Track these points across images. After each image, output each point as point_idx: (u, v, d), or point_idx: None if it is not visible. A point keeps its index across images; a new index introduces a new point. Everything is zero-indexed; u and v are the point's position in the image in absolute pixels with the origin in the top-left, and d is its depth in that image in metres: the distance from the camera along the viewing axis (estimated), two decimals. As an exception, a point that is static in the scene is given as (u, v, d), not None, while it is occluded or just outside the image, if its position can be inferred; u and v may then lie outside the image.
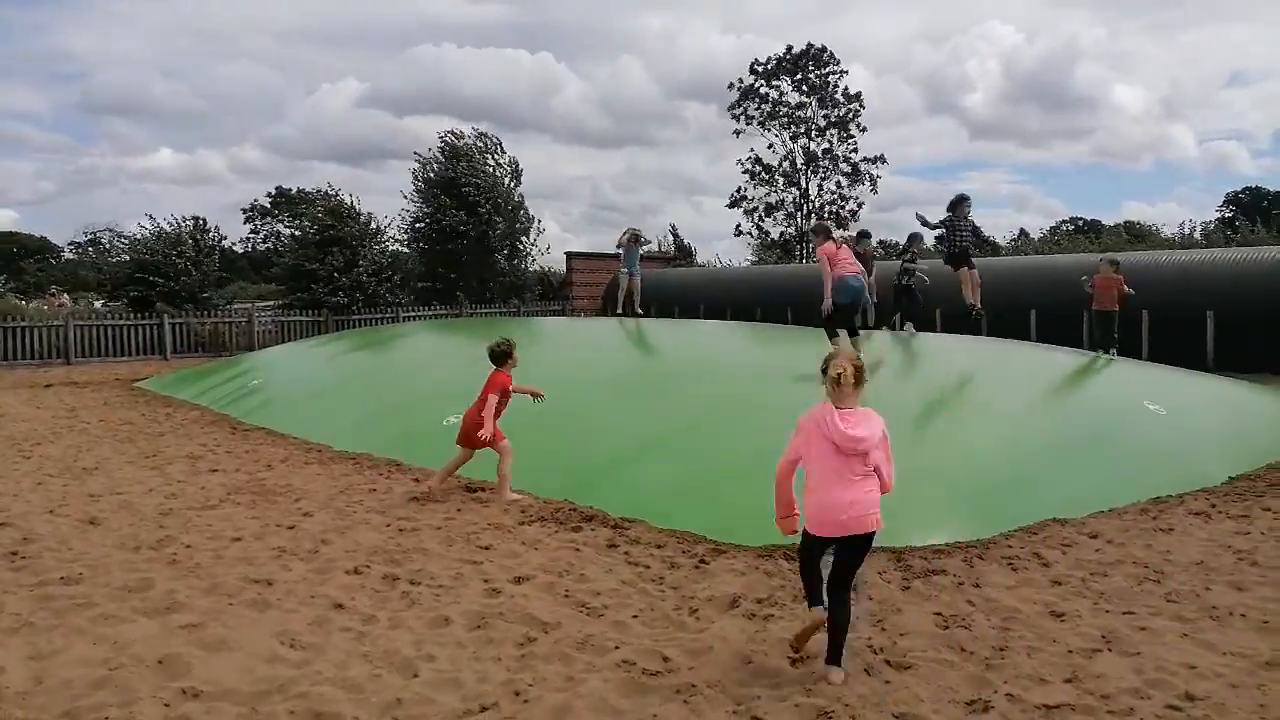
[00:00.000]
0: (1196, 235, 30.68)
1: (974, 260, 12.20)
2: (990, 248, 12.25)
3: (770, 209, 44.48)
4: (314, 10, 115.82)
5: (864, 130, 43.18)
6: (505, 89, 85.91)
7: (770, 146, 43.85)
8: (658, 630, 4.59)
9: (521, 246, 31.24)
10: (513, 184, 31.05)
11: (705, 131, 75.88)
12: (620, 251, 16.06)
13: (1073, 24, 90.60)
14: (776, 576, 5.33)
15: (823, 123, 43.19)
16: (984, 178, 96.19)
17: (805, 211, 43.58)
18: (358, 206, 28.30)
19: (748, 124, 43.64)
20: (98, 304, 27.55)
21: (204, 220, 27.78)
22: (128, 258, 26.65)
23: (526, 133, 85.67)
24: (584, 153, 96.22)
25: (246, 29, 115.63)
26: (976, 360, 10.76)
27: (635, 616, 4.77)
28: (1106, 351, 11.83)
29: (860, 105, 43.11)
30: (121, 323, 23.36)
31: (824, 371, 4.08)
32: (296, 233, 30.53)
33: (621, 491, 7.09)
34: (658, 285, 25.18)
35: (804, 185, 43.78)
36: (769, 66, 43.19)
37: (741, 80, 43.52)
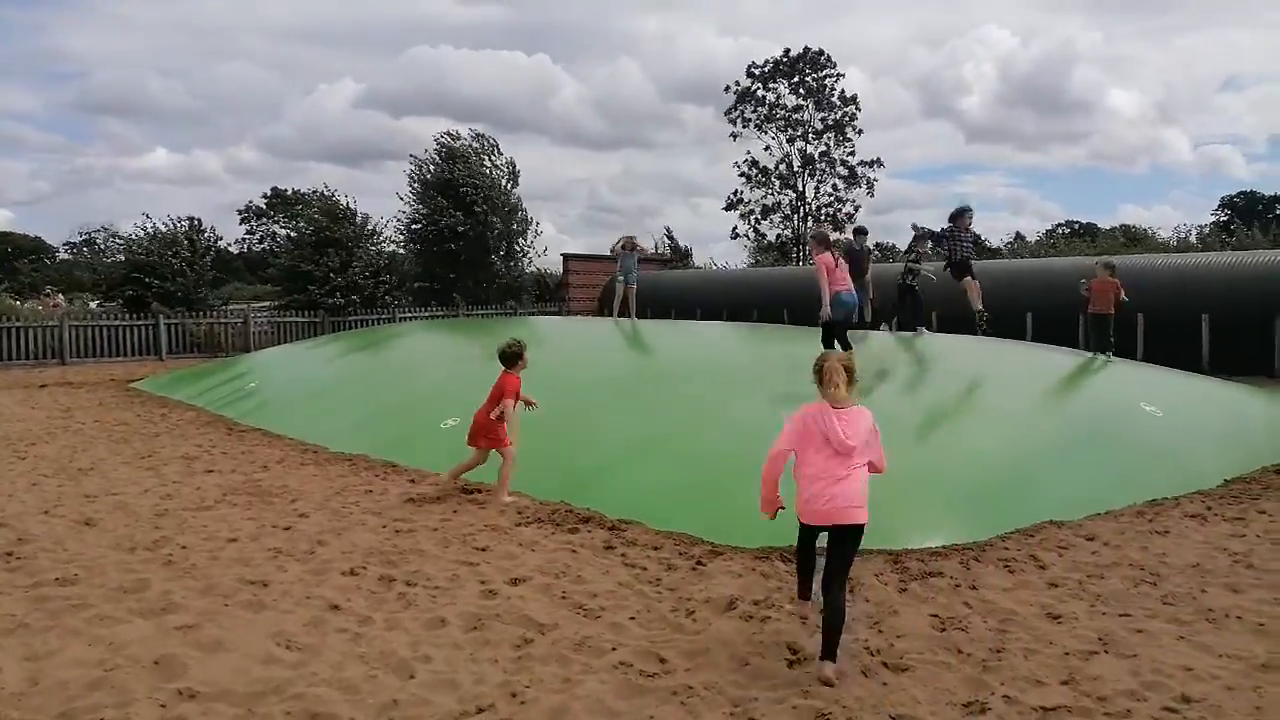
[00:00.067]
0: (1192, 239, 30.80)
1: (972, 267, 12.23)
2: (991, 254, 12.13)
3: (767, 211, 44.55)
4: (311, 10, 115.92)
5: (860, 133, 43.28)
6: (502, 90, 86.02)
7: (767, 149, 43.94)
8: (655, 631, 4.59)
9: (519, 248, 31.24)
10: (510, 185, 31.05)
11: (702, 134, 76.06)
12: (617, 257, 16.04)
13: (1068, 28, 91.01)
14: (773, 578, 5.32)
15: (820, 126, 43.26)
16: (980, 181, 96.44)
17: (802, 214, 43.64)
18: (353, 207, 28.32)
19: (744, 127, 43.71)
20: (93, 304, 27.49)
21: (199, 221, 27.78)
22: (123, 258, 26.59)
23: (523, 134, 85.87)
24: (581, 154, 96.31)
25: (243, 29, 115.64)
26: (973, 362, 10.78)
27: (632, 618, 4.76)
28: (1102, 354, 11.85)
29: (856, 108, 43.21)
30: (117, 323, 23.32)
31: (817, 372, 4.32)
32: (292, 233, 30.48)
33: (618, 493, 7.08)
34: (653, 287, 25.20)
35: (800, 188, 43.85)
36: (766, 69, 43.25)
37: (738, 83, 43.60)
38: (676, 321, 21.33)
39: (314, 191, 31.41)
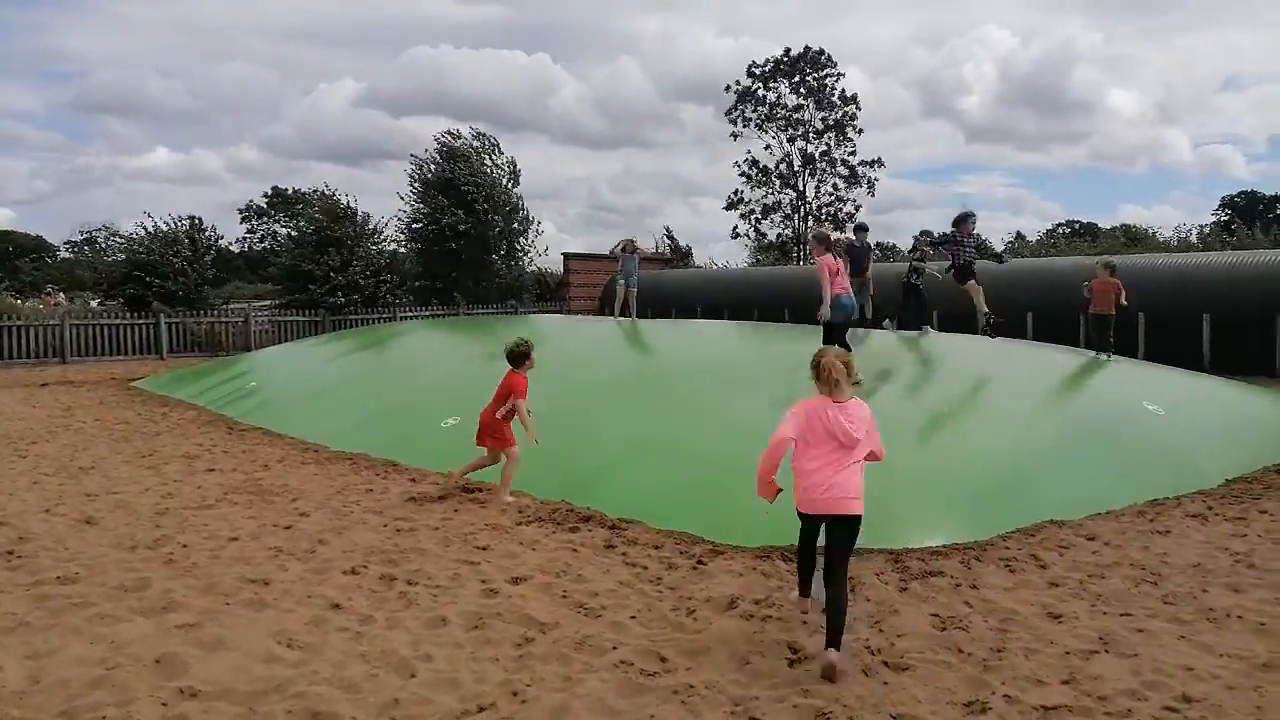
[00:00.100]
0: (1193, 239, 30.79)
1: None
2: (995, 258, 11.91)
3: (767, 210, 44.54)
4: (311, 10, 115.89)
5: (860, 132, 43.26)
6: (502, 90, 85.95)
7: (767, 148, 43.92)
8: (655, 631, 4.59)
9: (519, 247, 31.25)
10: (510, 185, 31.05)
11: (702, 133, 75.98)
12: (618, 259, 16.03)
13: (1068, 28, 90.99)
14: (774, 577, 5.33)
15: (820, 125, 43.25)
16: (980, 180, 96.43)
17: (802, 213, 43.63)
18: (354, 206, 28.33)
19: (745, 126, 43.70)
20: (94, 303, 27.49)
21: (200, 220, 27.77)
22: (123, 257, 26.60)
23: (523, 133, 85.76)
24: (581, 154, 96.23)
25: (243, 28, 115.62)
26: (975, 361, 10.77)
27: (633, 617, 4.76)
28: (1103, 355, 11.85)
29: (857, 107, 43.19)
30: (118, 322, 23.33)
31: (814, 368, 4.42)
32: (293, 233, 30.49)
33: (619, 492, 7.09)
34: (654, 286, 25.20)
35: (801, 187, 43.84)
36: (766, 69, 43.24)
37: (739, 82, 43.58)
38: (677, 321, 21.33)
39: (314, 191, 31.48)
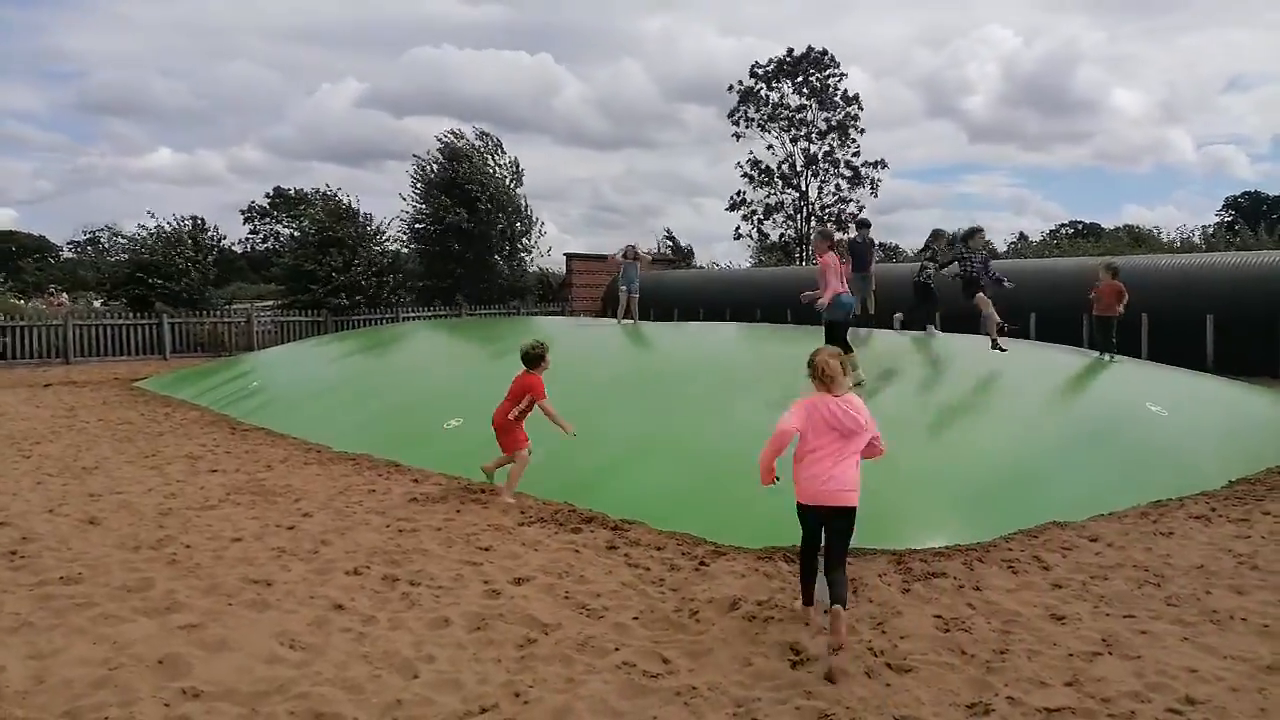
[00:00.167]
0: (1195, 239, 30.73)
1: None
2: (996, 283, 11.49)
3: (770, 211, 44.52)
4: (313, 10, 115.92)
5: (862, 132, 43.24)
6: (505, 90, 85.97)
7: (770, 148, 43.90)
8: (658, 632, 4.59)
9: (522, 247, 31.26)
10: (514, 185, 31.07)
11: (705, 134, 76.07)
12: (621, 264, 16.03)
13: (1071, 27, 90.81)
14: (776, 579, 5.32)
15: (823, 126, 43.23)
16: (983, 180, 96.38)
17: (805, 214, 43.61)
18: (355, 206, 28.36)
19: (747, 127, 43.69)
20: (97, 303, 27.53)
21: (203, 220, 27.82)
22: (126, 257, 26.64)
23: (526, 134, 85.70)
24: (583, 154, 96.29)
25: (245, 29, 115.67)
26: (978, 361, 10.75)
27: (635, 618, 4.76)
28: (1106, 355, 11.84)
29: (859, 106, 43.16)
30: (120, 322, 23.36)
31: (810, 366, 4.60)
32: (295, 233, 30.52)
33: (621, 493, 7.09)
34: (656, 287, 25.19)
35: (804, 188, 43.83)
36: (769, 69, 43.23)
37: (741, 83, 43.57)
38: (679, 323, 21.32)
39: (316, 191, 31.51)
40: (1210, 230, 32.93)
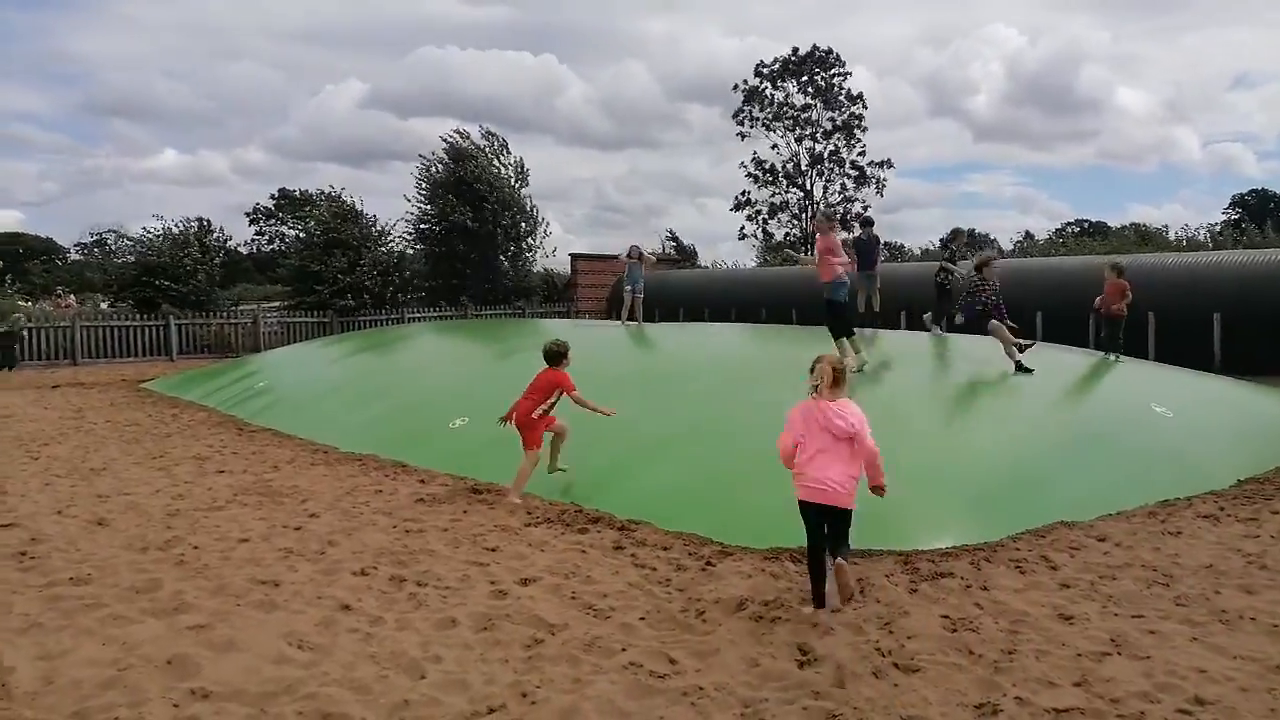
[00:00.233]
0: (1201, 237, 30.63)
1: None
2: (1001, 313, 11.08)
3: (774, 210, 44.52)
4: (317, 11, 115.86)
5: (865, 130, 43.23)
6: (508, 90, 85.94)
7: (774, 148, 43.89)
8: (665, 632, 4.59)
9: (527, 247, 31.29)
10: (519, 185, 31.10)
11: (709, 134, 75.98)
12: (628, 264, 16.04)
13: (1076, 26, 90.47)
14: (783, 579, 5.31)
15: (828, 125, 43.20)
16: (988, 180, 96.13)
17: (810, 214, 43.60)
18: (358, 207, 28.42)
19: (752, 126, 43.68)
20: (104, 305, 27.64)
21: (208, 221, 27.93)
22: (132, 258, 26.74)
23: (529, 134, 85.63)
24: (587, 154, 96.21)
25: (249, 30, 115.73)
26: (984, 361, 10.73)
27: (642, 618, 4.76)
28: (1111, 355, 11.81)
29: (863, 105, 43.14)
30: (128, 324, 23.46)
31: (811, 372, 4.88)
32: (300, 234, 30.60)
33: (628, 493, 7.09)
34: (661, 287, 25.19)
35: (809, 187, 43.80)
36: (774, 68, 43.22)
37: (746, 82, 43.57)
38: (685, 323, 21.33)
39: (321, 192, 31.57)
40: (1217, 228, 32.84)
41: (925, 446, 7.44)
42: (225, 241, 29.30)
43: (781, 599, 4.97)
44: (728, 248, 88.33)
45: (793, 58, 42.92)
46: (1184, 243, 30.03)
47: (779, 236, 44.36)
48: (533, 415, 7.33)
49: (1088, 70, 75.50)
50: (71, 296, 28.45)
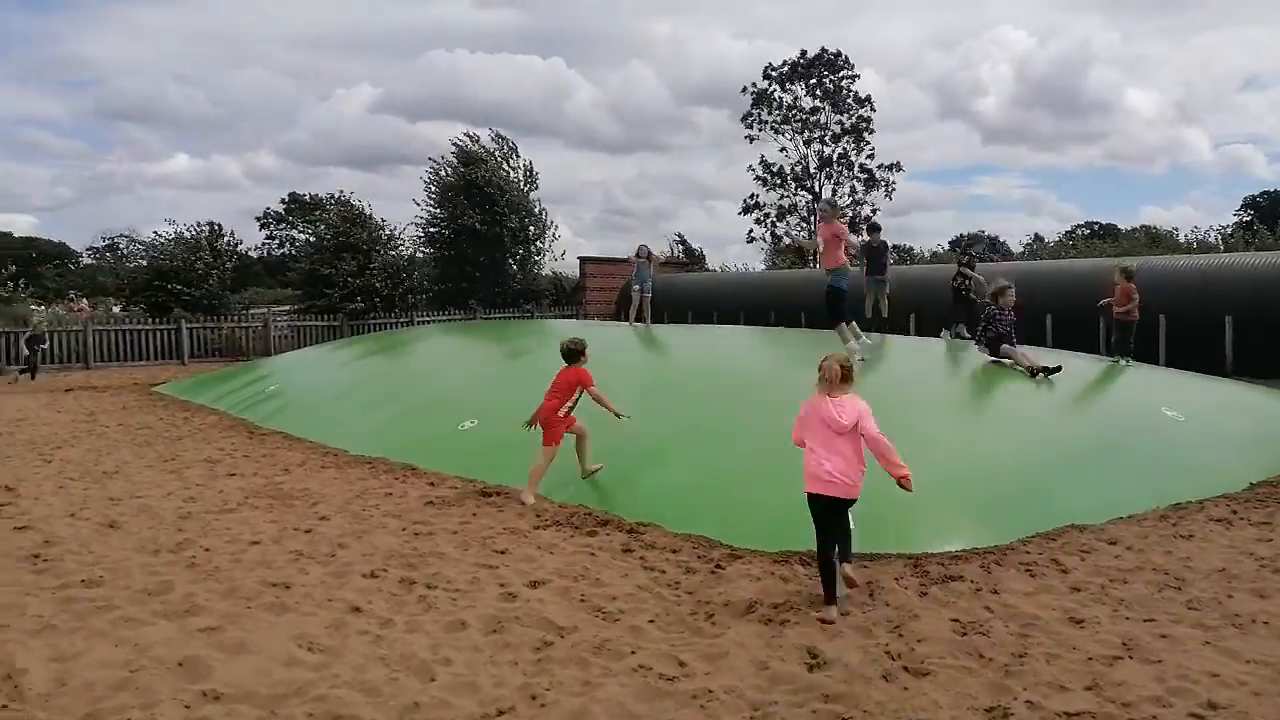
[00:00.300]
0: (1212, 239, 30.45)
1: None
2: (1012, 341, 10.88)
3: (783, 213, 44.48)
4: (327, 17, 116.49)
5: (873, 133, 43.16)
6: (517, 94, 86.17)
7: (783, 150, 43.87)
8: (674, 635, 4.59)
9: (536, 250, 31.33)
10: (528, 188, 31.16)
11: (717, 137, 76.07)
12: (636, 263, 16.07)
13: (1085, 28, 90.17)
14: (793, 582, 5.31)
15: (837, 128, 43.16)
16: (996, 182, 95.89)
17: (819, 217, 43.54)
18: (368, 211, 28.51)
19: (761, 129, 43.67)
20: (116, 309, 27.82)
21: (219, 225, 28.06)
22: (145, 263, 26.91)
23: (538, 138, 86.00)
24: (596, 158, 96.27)
25: (260, 35, 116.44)
26: (994, 365, 10.69)
27: (651, 621, 4.77)
28: (1122, 359, 11.74)
29: (871, 108, 43.07)
30: (139, 328, 23.59)
31: (819, 370, 5.06)
32: (311, 238, 30.73)
33: (636, 496, 7.09)
34: (670, 290, 25.19)
35: (817, 190, 43.73)
36: (783, 71, 43.20)
37: (755, 85, 43.57)
38: (693, 326, 21.32)
39: (331, 196, 31.69)
40: (1228, 230, 32.63)
41: (935, 449, 7.42)
42: (236, 245, 29.42)
43: (791, 602, 4.97)
44: (736, 250, 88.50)
45: (801, 60, 42.90)
46: (1194, 245, 29.86)
47: (787, 240, 44.30)
48: (558, 414, 7.37)
49: (1097, 71, 75.32)
50: (84, 301, 28.60)
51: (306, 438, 10.67)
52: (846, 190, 43.84)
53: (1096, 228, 49.90)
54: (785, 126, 43.54)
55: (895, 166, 43.74)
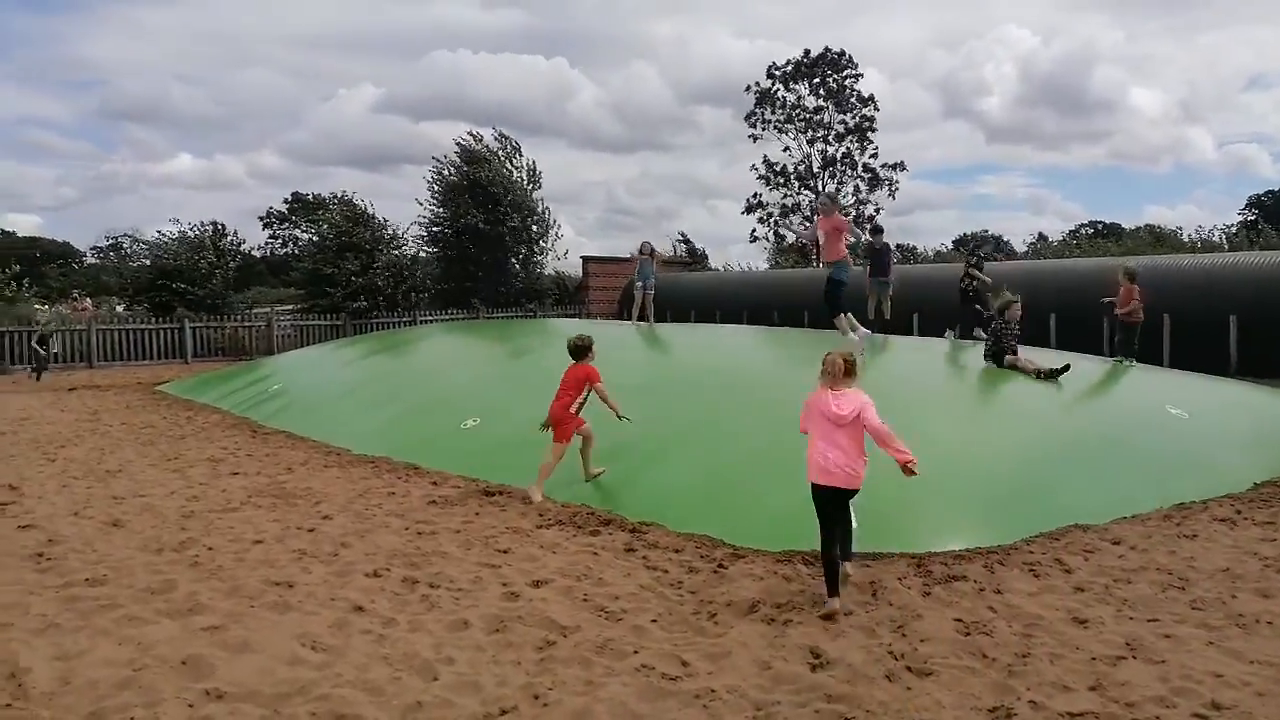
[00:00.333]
0: (1216, 238, 30.39)
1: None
2: (1014, 347, 10.81)
3: (786, 212, 44.44)
4: (330, 16, 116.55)
5: (877, 132, 43.10)
6: (520, 94, 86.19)
7: (786, 150, 43.82)
8: (676, 634, 4.59)
9: (539, 249, 31.34)
10: (531, 188, 31.16)
11: (720, 136, 76.06)
12: (639, 260, 16.06)
13: (1090, 27, 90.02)
14: (795, 581, 5.30)
15: (840, 128, 43.11)
16: (1000, 181, 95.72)
17: (819, 211, 43.49)
18: (371, 210, 28.53)
19: (764, 128, 43.63)
20: (119, 308, 27.87)
21: (223, 225, 28.11)
22: (148, 262, 26.95)
23: (542, 137, 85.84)
24: (599, 157, 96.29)
25: (263, 35, 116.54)
26: (997, 366, 10.67)
27: (654, 620, 4.76)
28: (1126, 360, 11.72)
29: (875, 107, 43.02)
30: (143, 327, 23.63)
31: (822, 364, 5.16)
32: (314, 238, 30.76)
33: (639, 495, 7.09)
34: (673, 289, 25.18)
35: (821, 189, 43.68)
36: (786, 70, 43.16)
37: (758, 84, 43.52)
38: (696, 325, 21.32)
39: (334, 196, 31.72)
40: (1233, 229, 32.57)
41: (938, 449, 7.40)
42: (239, 245, 29.47)
43: (794, 601, 4.96)
44: (738, 250, 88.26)
45: (804, 60, 42.85)
46: (1199, 244, 29.80)
47: (790, 239, 44.25)
48: (570, 411, 7.38)
49: (1101, 70, 75.17)
50: (88, 300, 28.62)
51: (309, 437, 10.68)
52: (850, 189, 43.80)
53: (1101, 227, 49.80)
54: (789, 125, 43.50)
55: (899, 166, 43.72)
